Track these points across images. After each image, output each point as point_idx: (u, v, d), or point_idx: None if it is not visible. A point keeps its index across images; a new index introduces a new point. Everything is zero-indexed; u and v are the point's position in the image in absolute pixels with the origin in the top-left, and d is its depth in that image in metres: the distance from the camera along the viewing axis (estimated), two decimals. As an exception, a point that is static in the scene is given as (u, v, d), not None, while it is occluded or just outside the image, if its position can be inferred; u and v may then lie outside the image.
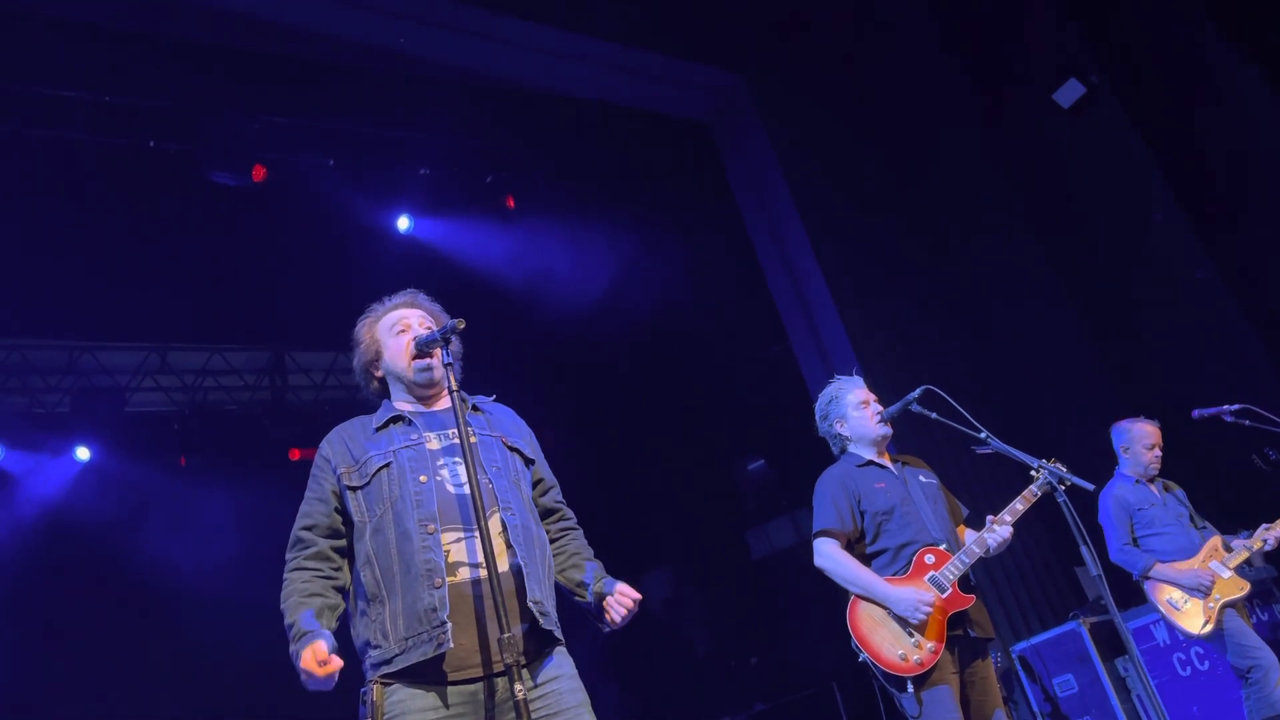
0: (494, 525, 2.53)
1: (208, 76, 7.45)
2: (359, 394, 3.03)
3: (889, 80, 9.32)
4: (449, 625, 2.38)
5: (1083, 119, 7.92)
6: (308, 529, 2.63)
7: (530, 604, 2.45)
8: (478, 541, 2.40)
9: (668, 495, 11.89)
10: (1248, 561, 5.05)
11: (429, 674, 2.40)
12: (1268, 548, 4.97)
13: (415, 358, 2.79)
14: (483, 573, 2.39)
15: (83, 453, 9.43)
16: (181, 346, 10.13)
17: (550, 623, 2.52)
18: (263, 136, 7.85)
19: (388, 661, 2.41)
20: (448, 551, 2.49)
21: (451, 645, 2.37)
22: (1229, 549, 4.99)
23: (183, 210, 8.20)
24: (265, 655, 9.02)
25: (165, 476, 9.86)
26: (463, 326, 2.65)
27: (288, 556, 2.63)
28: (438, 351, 2.72)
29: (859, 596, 3.77)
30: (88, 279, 8.27)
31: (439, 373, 2.76)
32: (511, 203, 9.51)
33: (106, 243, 8.10)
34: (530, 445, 2.87)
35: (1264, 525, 5.04)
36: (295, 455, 10.29)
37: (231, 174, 7.71)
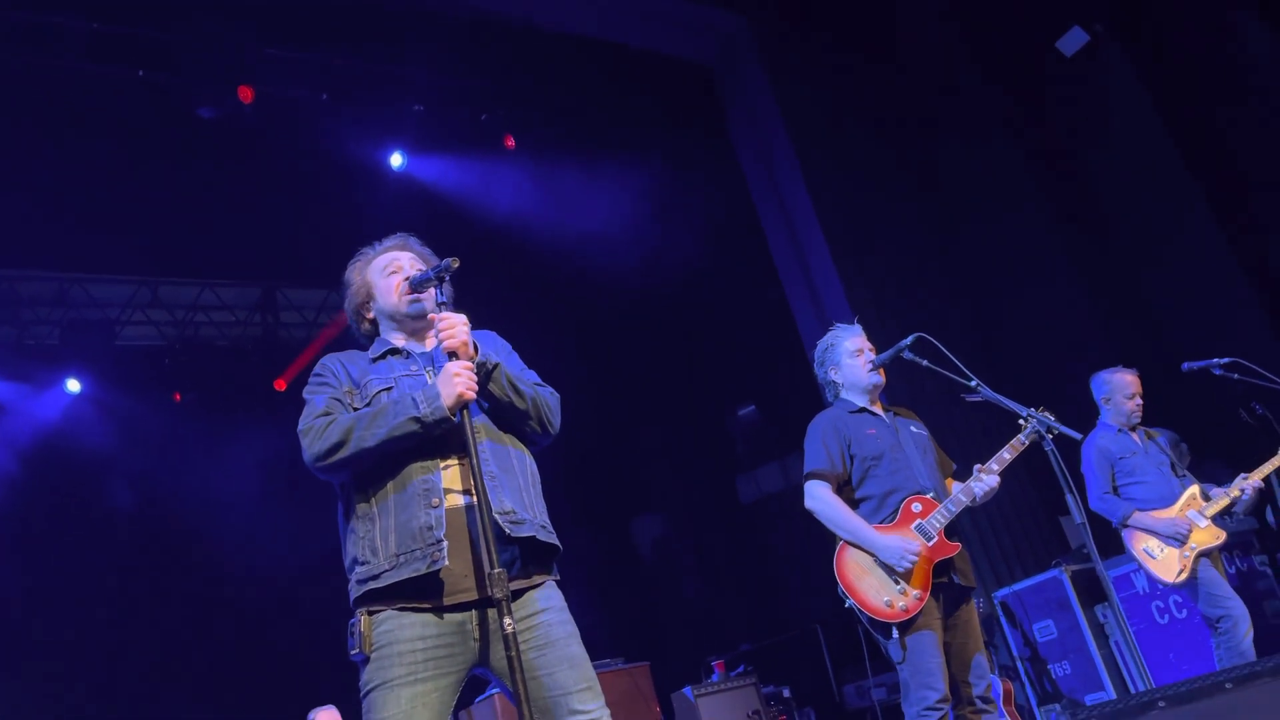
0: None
1: (200, 6, 7.31)
2: (350, 332, 3.03)
3: (892, 28, 9.20)
4: (445, 544, 2.41)
5: (1085, 67, 7.85)
6: (327, 412, 2.59)
7: (497, 515, 2.44)
8: (469, 470, 2.43)
9: (659, 439, 11.97)
10: (1228, 511, 5.12)
11: (417, 594, 2.41)
12: (1245, 497, 5.02)
13: (406, 293, 2.79)
14: (473, 499, 2.40)
15: (73, 385, 9.44)
16: (172, 281, 10.09)
17: (528, 529, 2.51)
18: (256, 69, 7.73)
19: (375, 577, 2.42)
20: (443, 475, 2.52)
21: (446, 563, 2.39)
22: (1207, 498, 5.05)
23: (175, 142, 8.10)
24: (259, 583, 9.22)
25: (155, 409, 9.89)
26: (457, 265, 2.63)
27: (315, 426, 2.54)
28: (430, 290, 2.72)
29: (846, 543, 3.82)
30: (79, 210, 8.19)
31: (430, 306, 2.75)
32: (511, 142, 9.42)
33: (98, 173, 8.00)
34: (504, 356, 2.83)
35: (1241, 475, 5.09)
36: (281, 385, 10.31)
37: (221, 106, 7.61)
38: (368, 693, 2.37)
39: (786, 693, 7.85)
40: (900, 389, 7.23)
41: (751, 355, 10.66)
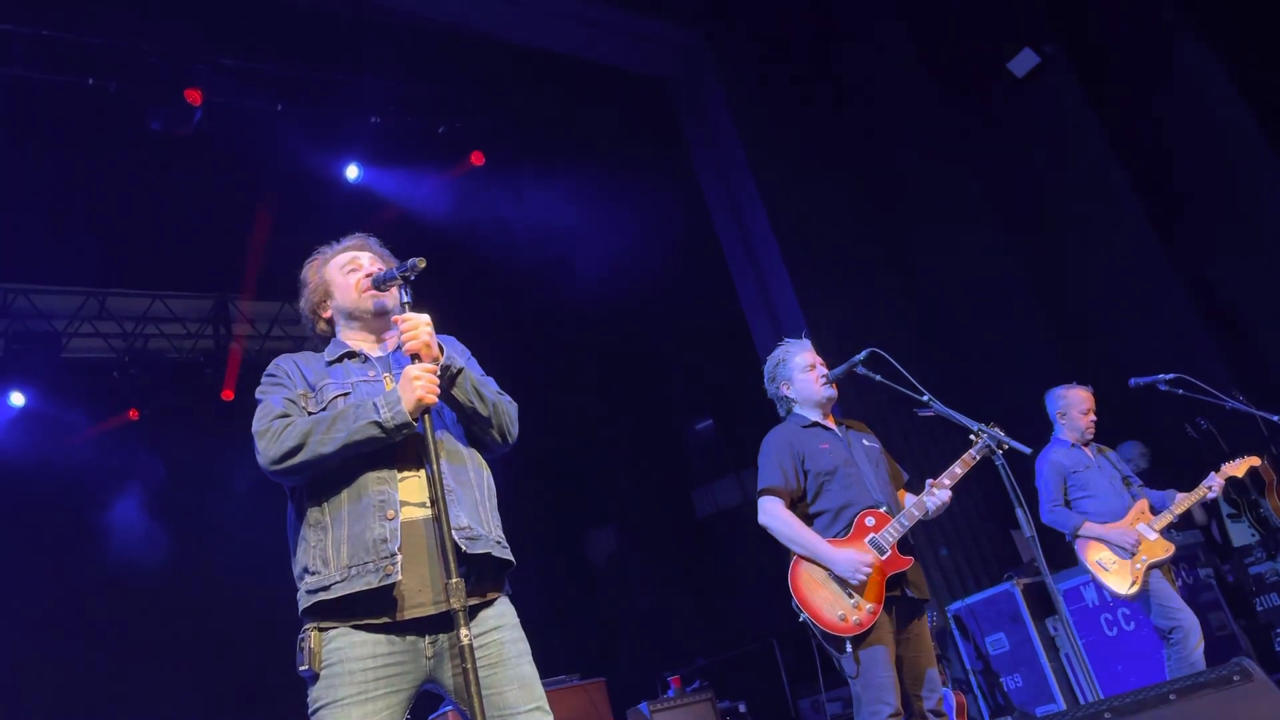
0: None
1: (152, 14, 7.21)
2: (305, 344, 2.97)
3: (846, 43, 9.31)
4: (399, 558, 2.35)
5: (1037, 88, 8.00)
6: (285, 414, 2.50)
7: (454, 531, 2.37)
8: (426, 482, 2.39)
9: (615, 453, 11.95)
10: (1173, 526, 5.21)
11: (368, 608, 2.36)
12: (1211, 496, 5.10)
13: (369, 290, 2.72)
14: (430, 512, 2.36)
15: (17, 398, 9.23)
16: (121, 292, 9.90)
17: (483, 545, 2.46)
18: (208, 78, 7.64)
19: (325, 589, 2.35)
20: (400, 488, 2.46)
21: (399, 578, 2.33)
22: (1156, 512, 5.15)
23: (125, 150, 7.98)
24: (210, 600, 9.05)
25: (103, 423, 9.70)
26: (423, 266, 2.55)
27: (272, 428, 2.45)
28: (393, 290, 2.66)
29: (801, 557, 3.83)
30: (23, 218, 8.02)
31: (392, 305, 2.70)
32: (481, 159, 9.37)
33: (44, 182, 7.86)
34: (465, 362, 2.73)
35: (1211, 475, 5.16)
36: (229, 395, 10.16)
37: (173, 115, 7.50)
38: (316, 710, 2.32)
39: (742, 708, 7.85)
40: (851, 400, 7.29)
41: (709, 370, 10.69)
